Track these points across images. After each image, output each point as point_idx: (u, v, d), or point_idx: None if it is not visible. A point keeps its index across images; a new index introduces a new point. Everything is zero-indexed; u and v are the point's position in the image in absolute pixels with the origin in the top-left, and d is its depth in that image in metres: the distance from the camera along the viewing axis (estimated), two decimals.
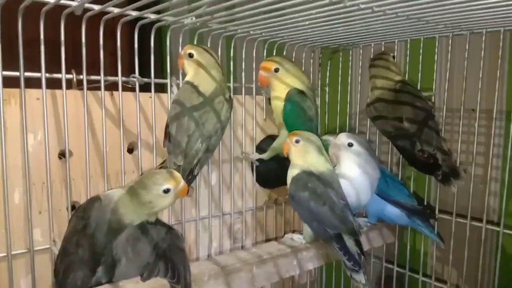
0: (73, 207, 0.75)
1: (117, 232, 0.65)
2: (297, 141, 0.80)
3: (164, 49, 0.82)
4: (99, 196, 0.67)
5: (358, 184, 0.85)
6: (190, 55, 0.78)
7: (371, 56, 1.00)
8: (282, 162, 0.87)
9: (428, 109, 0.89)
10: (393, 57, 0.96)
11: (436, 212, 0.95)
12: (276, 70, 0.85)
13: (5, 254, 0.67)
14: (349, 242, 0.79)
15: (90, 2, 0.63)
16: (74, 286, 0.61)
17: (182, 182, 0.67)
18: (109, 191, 0.69)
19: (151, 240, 0.66)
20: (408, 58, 0.97)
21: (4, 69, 0.64)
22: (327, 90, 1.15)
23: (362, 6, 0.61)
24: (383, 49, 1.01)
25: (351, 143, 0.84)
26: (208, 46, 0.85)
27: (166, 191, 0.65)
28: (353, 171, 0.85)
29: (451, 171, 0.86)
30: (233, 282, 0.74)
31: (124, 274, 0.65)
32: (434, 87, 0.95)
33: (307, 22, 0.73)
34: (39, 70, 0.67)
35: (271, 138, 1.00)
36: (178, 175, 0.67)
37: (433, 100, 0.95)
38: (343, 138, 0.86)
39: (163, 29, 0.80)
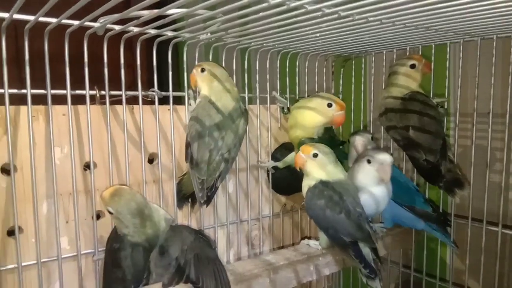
0: (97, 216, 0.79)
1: (150, 249, 0.70)
2: (315, 155, 0.80)
3: (181, 63, 0.85)
4: None
5: (379, 197, 0.86)
6: (202, 70, 0.80)
7: (394, 61, 1.01)
8: (297, 170, 0.89)
9: (437, 118, 0.90)
10: (413, 65, 0.92)
11: (452, 217, 0.95)
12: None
13: (35, 262, 0.70)
14: (365, 250, 0.80)
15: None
16: None
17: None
18: None
19: (176, 250, 0.69)
20: None
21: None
22: (340, 98, 1.16)
23: (371, 18, 0.62)
24: (395, 56, 1.02)
25: (369, 159, 0.85)
26: (223, 58, 0.88)
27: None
28: (371, 184, 0.85)
29: (454, 181, 0.87)
30: None
31: (154, 283, 0.69)
32: (446, 93, 0.96)
33: (318, 34, 0.76)
34: (61, 87, 0.71)
35: (285, 146, 1.03)
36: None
37: (445, 107, 0.96)
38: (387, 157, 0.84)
39: (179, 45, 0.83)
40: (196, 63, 0.83)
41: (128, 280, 0.68)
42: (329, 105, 0.87)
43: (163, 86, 0.83)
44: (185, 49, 0.84)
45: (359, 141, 0.97)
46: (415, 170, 1.00)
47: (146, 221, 0.70)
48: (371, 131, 1.10)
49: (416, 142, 0.88)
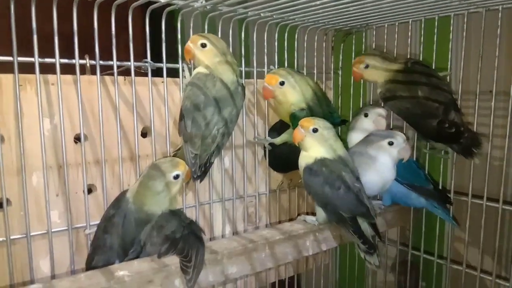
0: (89, 190, 0.77)
1: (144, 223, 0.69)
2: (314, 130, 0.78)
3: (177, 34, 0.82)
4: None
5: (388, 176, 0.87)
6: (203, 45, 0.76)
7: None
8: (295, 146, 0.87)
9: (443, 83, 0.88)
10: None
11: (451, 194, 0.94)
12: (282, 83, 0.85)
13: (24, 235, 0.69)
14: (364, 225, 0.79)
15: None
16: (97, 267, 0.65)
17: (187, 167, 0.72)
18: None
19: (173, 226, 0.69)
20: (422, 38, 0.96)
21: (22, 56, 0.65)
22: (340, 74, 1.14)
23: None
24: (396, 30, 0.99)
25: (392, 141, 0.86)
26: (219, 29, 0.85)
27: (176, 177, 0.69)
28: (388, 165, 0.86)
29: (472, 142, 0.86)
30: (246, 261, 0.74)
31: (147, 255, 0.69)
32: (449, 67, 0.93)
33: (318, 2, 0.73)
34: (51, 57, 0.68)
35: (282, 123, 1.00)
36: (181, 161, 0.71)
37: (448, 80, 0.93)
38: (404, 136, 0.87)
39: (176, 14, 0.80)
40: (191, 33, 0.80)
41: (114, 248, 0.67)
42: None
43: (160, 58, 0.80)
44: (179, 18, 0.80)
45: (385, 115, 0.95)
46: (415, 145, 0.98)
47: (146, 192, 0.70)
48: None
49: (429, 103, 0.86)
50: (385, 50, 1.02)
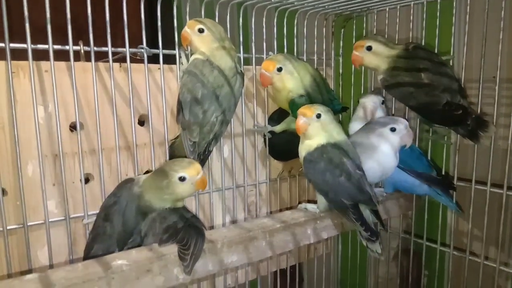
0: (86, 180, 0.76)
1: (145, 214, 0.68)
2: (318, 116, 0.76)
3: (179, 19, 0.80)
4: (133, 178, 0.71)
5: (390, 163, 0.85)
6: (201, 30, 0.75)
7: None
8: (295, 134, 0.85)
9: (447, 66, 0.86)
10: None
11: (455, 181, 0.92)
12: (279, 70, 0.83)
13: (21, 225, 0.67)
14: (366, 212, 0.78)
15: None
16: (95, 256, 0.64)
17: (201, 174, 0.68)
18: (142, 174, 0.73)
19: (175, 218, 0.69)
20: (424, 22, 0.93)
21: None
22: (340, 61, 1.12)
23: None
24: (398, 14, 0.97)
25: (394, 128, 0.83)
26: (216, 14, 0.83)
27: (182, 178, 0.67)
28: (390, 152, 0.84)
29: (478, 125, 0.84)
30: (246, 250, 0.73)
31: (148, 244, 0.68)
32: (452, 51, 0.91)
33: None
34: (45, 42, 0.66)
35: (282, 110, 0.99)
36: (198, 166, 0.68)
37: (451, 64, 0.91)
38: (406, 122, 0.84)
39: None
40: (188, 19, 0.78)
41: (113, 237, 0.66)
42: None
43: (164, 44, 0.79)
44: (175, 3, 0.78)
45: (370, 104, 0.94)
46: (417, 131, 0.97)
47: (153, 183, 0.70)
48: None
49: (433, 86, 0.83)
50: (386, 35, 0.99)
